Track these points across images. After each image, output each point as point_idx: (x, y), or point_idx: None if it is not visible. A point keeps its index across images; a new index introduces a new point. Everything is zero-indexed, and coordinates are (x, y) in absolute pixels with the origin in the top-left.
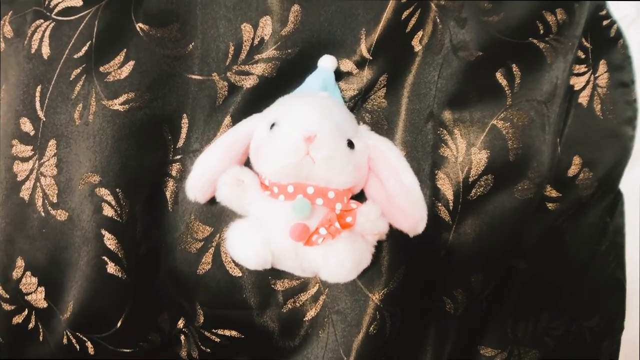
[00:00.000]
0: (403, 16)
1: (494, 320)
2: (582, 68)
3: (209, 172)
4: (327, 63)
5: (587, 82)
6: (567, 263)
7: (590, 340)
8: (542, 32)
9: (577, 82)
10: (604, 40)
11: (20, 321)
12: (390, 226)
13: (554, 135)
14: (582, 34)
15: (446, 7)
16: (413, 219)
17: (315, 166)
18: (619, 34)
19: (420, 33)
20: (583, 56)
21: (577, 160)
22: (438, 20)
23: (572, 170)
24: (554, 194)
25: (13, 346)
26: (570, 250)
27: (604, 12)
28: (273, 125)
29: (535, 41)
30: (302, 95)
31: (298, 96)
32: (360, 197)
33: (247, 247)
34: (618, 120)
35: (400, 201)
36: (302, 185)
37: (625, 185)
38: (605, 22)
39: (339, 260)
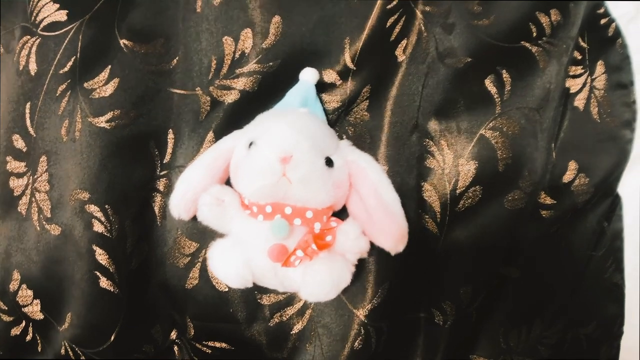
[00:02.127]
0: (388, 23)
1: (485, 330)
2: (578, 69)
3: (191, 191)
4: (308, 76)
5: (584, 85)
6: (561, 270)
7: (588, 347)
8: (535, 34)
9: (573, 85)
10: (602, 40)
11: (18, 333)
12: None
13: (547, 141)
14: (578, 34)
15: (432, 13)
16: (393, 237)
17: (292, 187)
18: (618, 33)
19: (404, 42)
20: (579, 57)
21: (572, 165)
22: (423, 28)
23: (567, 176)
24: (548, 201)
25: (12, 358)
26: (565, 257)
27: (601, 10)
28: (251, 144)
29: (527, 44)
30: (280, 112)
31: (277, 114)
32: (343, 212)
33: (228, 266)
34: (616, 123)
35: (381, 218)
36: (281, 205)
37: (625, 188)
38: (603, 21)
39: (317, 280)
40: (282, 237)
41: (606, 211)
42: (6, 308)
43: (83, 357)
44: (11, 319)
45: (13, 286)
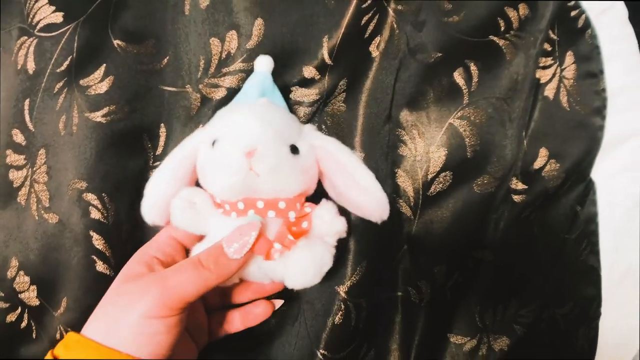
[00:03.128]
0: (362, 21)
1: (461, 309)
2: (548, 61)
3: (161, 198)
4: (262, 66)
5: (554, 75)
6: (535, 253)
7: (565, 327)
8: (502, 28)
9: (543, 75)
10: (571, 31)
11: (13, 319)
12: (351, 221)
13: (518, 129)
14: (548, 27)
15: (403, 11)
16: (374, 211)
17: (260, 180)
18: (587, 24)
19: (377, 39)
20: (549, 49)
21: (543, 152)
22: (395, 25)
23: (538, 163)
24: (519, 186)
25: (5, 345)
26: (538, 240)
27: (572, 3)
28: (214, 142)
29: (495, 38)
30: (239, 106)
31: (236, 108)
32: (316, 197)
33: None
34: (586, 111)
35: (356, 196)
36: (252, 200)
37: (599, 173)
38: (573, 13)
39: (300, 268)
40: (257, 232)
41: (579, 196)
42: (3, 295)
43: None
44: (7, 305)
45: (11, 273)
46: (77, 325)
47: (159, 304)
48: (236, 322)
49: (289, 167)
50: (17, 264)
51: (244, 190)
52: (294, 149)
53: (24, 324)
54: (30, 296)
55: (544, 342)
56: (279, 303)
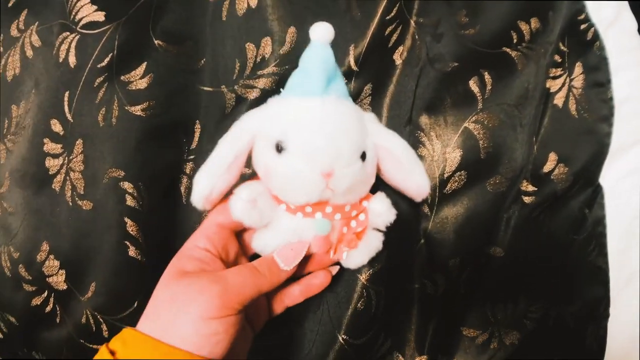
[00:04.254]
0: (386, 32)
1: (474, 302)
2: (558, 71)
3: (217, 190)
4: (319, 34)
5: (563, 84)
6: (544, 251)
7: (574, 325)
8: (515, 41)
9: (553, 85)
10: (581, 44)
11: (39, 303)
12: None
13: (529, 135)
14: (558, 39)
15: (424, 24)
16: (419, 195)
17: (335, 194)
18: (596, 36)
19: (400, 48)
20: (559, 60)
21: (552, 156)
22: (416, 36)
23: (547, 166)
24: (530, 188)
25: (27, 329)
26: (547, 239)
27: (582, 17)
28: (280, 148)
29: (508, 50)
30: (307, 104)
31: (303, 106)
32: None
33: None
34: (593, 118)
35: (411, 189)
36: (321, 205)
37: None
38: (582, 26)
39: (356, 256)
40: (325, 234)
41: (587, 199)
42: (30, 278)
43: (104, 325)
44: (34, 288)
45: (40, 256)
46: (104, 309)
47: (219, 305)
48: (296, 294)
49: (360, 178)
50: (48, 248)
51: (317, 198)
52: (363, 156)
53: (48, 308)
54: (59, 280)
55: (554, 339)
56: (335, 269)
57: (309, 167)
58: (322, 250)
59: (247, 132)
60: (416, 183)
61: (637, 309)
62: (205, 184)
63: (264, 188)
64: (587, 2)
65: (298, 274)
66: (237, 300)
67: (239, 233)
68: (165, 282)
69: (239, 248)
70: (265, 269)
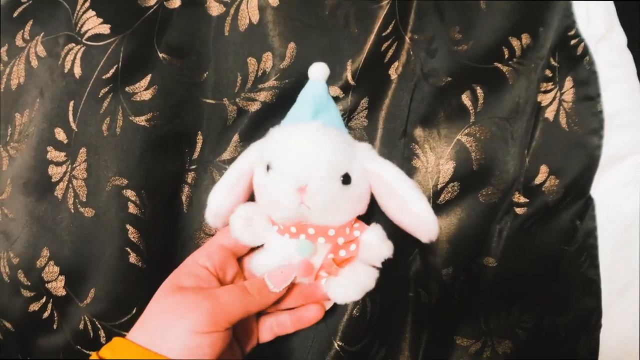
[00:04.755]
0: (382, 48)
1: (467, 312)
2: (549, 86)
3: (222, 210)
4: (316, 73)
5: (554, 98)
6: (536, 262)
7: (566, 335)
8: (506, 56)
9: (544, 99)
10: (571, 58)
11: (36, 309)
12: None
13: (520, 147)
14: (549, 54)
15: (418, 40)
16: (425, 233)
17: (312, 212)
18: (586, 51)
19: (396, 63)
20: (550, 74)
21: (544, 169)
22: (411, 52)
23: (539, 178)
24: (521, 199)
25: (23, 335)
26: (539, 250)
27: (572, 32)
28: (268, 167)
29: (499, 65)
30: (292, 130)
31: (290, 129)
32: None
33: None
34: (584, 131)
35: (410, 220)
36: (304, 226)
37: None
38: (573, 42)
39: (342, 292)
40: (308, 255)
41: (579, 211)
42: (29, 283)
43: (102, 331)
44: (32, 294)
45: (40, 262)
46: (103, 316)
47: (208, 321)
48: (287, 324)
49: (340, 200)
50: (48, 254)
51: (296, 219)
52: (346, 179)
53: (46, 314)
54: (58, 286)
55: (546, 349)
56: (329, 304)
57: (287, 183)
58: (304, 274)
59: (249, 158)
60: (415, 214)
61: (630, 320)
62: (212, 202)
63: (262, 211)
64: (577, 18)
65: (287, 306)
66: (226, 319)
67: (241, 258)
68: (161, 295)
69: (239, 271)
70: (255, 290)
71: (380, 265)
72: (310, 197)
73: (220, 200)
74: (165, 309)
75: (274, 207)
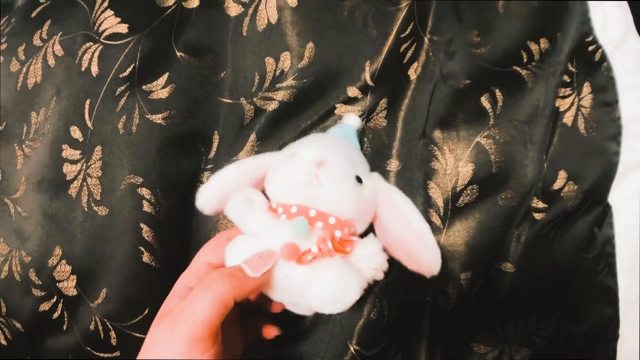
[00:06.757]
0: (401, 49)
1: (484, 317)
2: (567, 91)
3: (226, 188)
4: (351, 120)
5: (572, 104)
6: (554, 268)
7: (584, 344)
8: (525, 60)
9: (562, 104)
10: (589, 64)
11: (47, 308)
12: None
13: (539, 152)
14: (567, 60)
15: (437, 41)
16: (429, 264)
17: (321, 188)
18: (603, 57)
19: (415, 64)
20: (568, 80)
21: (562, 174)
22: (430, 53)
23: (557, 184)
24: (540, 205)
25: (33, 335)
26: (557, 257)
27: (590, 38)
28: (292, 155)
29: (518, 69)
30: (320, 134)
31: (316, 134)
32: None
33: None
34: (601, 137)
35: (415, 248)
36: (306, 208)
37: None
38: (590, 48)
39: (323, 286)
40: (302, 235)
41: (597, 218)
42: (40, 283)
43: (112, 332)
44: (43, 293)
45: (52, 261)
46: (114, 316)
47: (188, 345)
48: (272, 329)
49: (351, 188)
50: (61, 252)
51: (303, 193)
52: (359, 179)
53: (56, 315)
54: (69, 285)
55: (564, 358)
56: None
57: (306, 156)
58: (288, 256)
59: (268, 155)
60: (421, 237)
61: None
62: (214, 182)
63: (263, 198)
64: (594, 24)
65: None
66: (204, 328)
67: None
68: (155, 321)
69: None
70: (225, 275)
71: (371, 280)
72: (327, 170)
73: (224, 183)
74: (152, 343)
75: (288, 175)
